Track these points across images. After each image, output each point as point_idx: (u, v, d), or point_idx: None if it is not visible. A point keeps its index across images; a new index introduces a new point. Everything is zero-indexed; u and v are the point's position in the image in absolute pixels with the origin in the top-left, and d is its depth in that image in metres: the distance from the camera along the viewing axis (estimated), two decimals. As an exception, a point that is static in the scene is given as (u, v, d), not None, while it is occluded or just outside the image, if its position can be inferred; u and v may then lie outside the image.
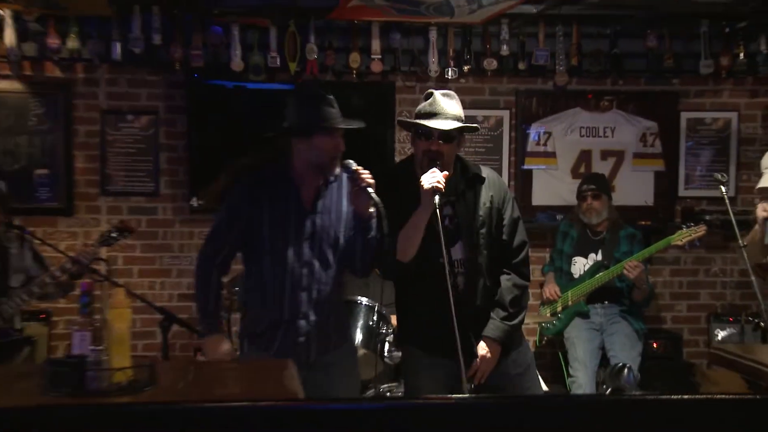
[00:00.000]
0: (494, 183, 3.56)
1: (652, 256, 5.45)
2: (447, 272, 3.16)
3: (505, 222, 3.54)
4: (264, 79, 5.89)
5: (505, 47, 6.05)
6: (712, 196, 6.33)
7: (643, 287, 5.36)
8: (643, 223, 6.12)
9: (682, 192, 6.42)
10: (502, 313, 3.52)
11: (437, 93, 3.43)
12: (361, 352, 4.62)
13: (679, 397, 1.27)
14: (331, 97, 3.39)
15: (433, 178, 3.26)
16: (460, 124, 3.39)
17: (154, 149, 6.01)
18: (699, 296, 6.47)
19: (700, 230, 5.17)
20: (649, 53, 6.22)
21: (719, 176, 4.37)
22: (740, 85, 6.43)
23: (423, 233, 3.33)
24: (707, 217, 6.01)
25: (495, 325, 3.51)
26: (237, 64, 5.81)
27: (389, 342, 4.81)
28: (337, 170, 3.38)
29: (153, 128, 6.01)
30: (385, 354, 4.79)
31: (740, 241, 4.22)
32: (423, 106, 3.43)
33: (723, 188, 4.28)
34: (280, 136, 3.44)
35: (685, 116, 6.40)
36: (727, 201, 4.24)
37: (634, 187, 6.34)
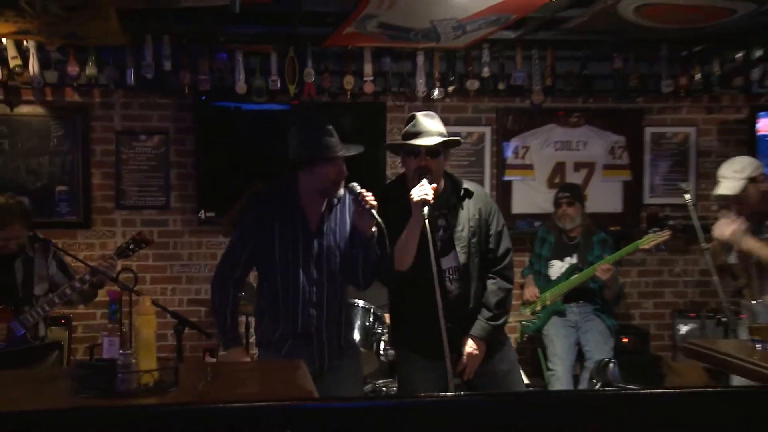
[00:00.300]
0: (481, 197, 3.61)
1: (621, 259, 5.48)
2: (436, 280, 3.18)
3: (492, 232, 3.58)
4: (266, 100, 5.89)
5: (486, 69, 6.08)
6: (674, 203, 6.37)
7: (613, 287, 5.41)
8: (613, 228, 6.14)
9: (647, 200, 6.45)
10: (488, 314, 3.55)
11: (419, 114, 3.46)
12: (360, 350, 4.63)
13: (676, 390, 1.29)
14: (330, 126, 3.37)
15: (421, 191, 3.28)
16: (442, 139, 3.41)
17: (165, 166, 6.00)
18: (664, 294, 6.50)
19: (665, 235, 5.21)
20: (616, 74, 6.25)
21: (684, 185, 4.42)
22: (697, 102, 6.48)
23: (417, 242, 3.34)
24: (671, 223, 6.05)
25: (481, 325, 3.53)
26: (241, 87, 5.81)
27: (384, 341, 4.82)
28: (341, 192, 3.37)
29: (164, 147, 6.00)
30: (381, 352, 4.80)
31: (702, 245, 4.24)
32: (407, 128, 3.46)
33: (687, 196, 4.32)
34: (285, 165, 3.44)
35: (649, 131, 6.45)
36: (691, 207, 4.28)
37: (604, 196, 6.38)
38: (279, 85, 5.85)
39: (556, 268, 5.59)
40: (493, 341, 3.57)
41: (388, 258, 3.35)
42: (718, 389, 1.41)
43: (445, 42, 5.51)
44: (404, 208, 3.33)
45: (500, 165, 6.35)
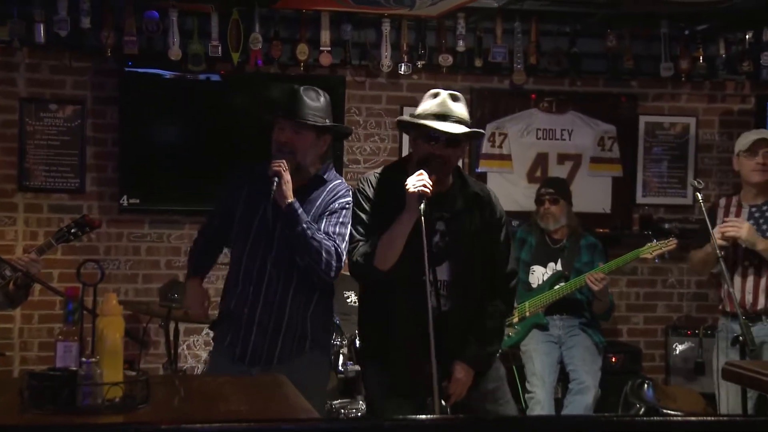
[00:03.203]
0: (491, 204, 3.64)
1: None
2: (429, 289, 3.19)
3: (498, 247, 3.64)
4: (204, 69, 5.92)
5: (461, 43, 6.20)
6: (671, 204, 6.63)
7: (604, 299, 5.52)
8: (600, 231, 6.29)
9: (639, 199, 6.67)
10: (481, 339, 3.62)
11: (445, 93, 3.47)
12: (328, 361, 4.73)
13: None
14: (302, 89, 3.54)
15: (419, 182, 3.28)
16: (468, 129, 3.45)
17: (80, 142, 5.97)
18: (656, 308, 6.73)
19: (671, 243, 5.34)
20: (608, 54, 6.45)
21: (695, 182, 4.61)
22: (698, 89, 6.72)
23: (404, 240, 3.39)
24: (666, 226, 6.30)
25: (472, 351, 3.60)
26: (174, 52, 5.81)
27: (343, 354, 4.92)
28: (275, 171, 3.45)
29: (79, 119, 5.96)
30: (340, 368, 4.90)
31: (717, 251, 4.43)
32: (429, 105, 3.45)
33: (699, 195, 4.52)
34: None
35: (643, 120, 6.66)
36: (704, 209, 4.45)
37: (591, 193, 6.55)
38: (220, 52, 5.88)
39: (538, 274, 5.72)
40: (482, 369, 3.67)
41: (367, 245, 3.43)
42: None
43: (419, 8, 5.63)
44: (401, 198, 3.34)
45: (473, 154, 6.48)
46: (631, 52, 6.44)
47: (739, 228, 4.60)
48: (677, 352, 6.42)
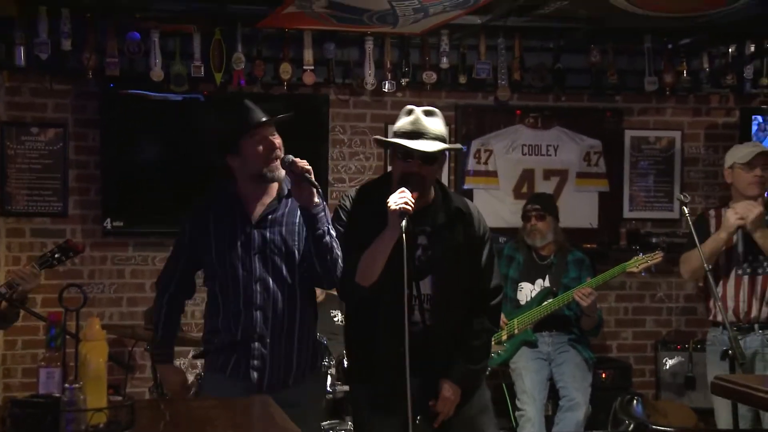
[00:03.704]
0: (475, 219, 3.65)
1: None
2: (406, 306, 3.25)
3: (483, 262, 3.64)
4: (186, 90, 5.91)
5: (444, 60, 6.23)
6: (657, 218, 6.66)
7: (593, 315, 5.54)
8: (588, 246, 6.32)
9: (626, 213, 6.70)
10: (468, 357, 3.63)
11: (418, 110, 3.48)
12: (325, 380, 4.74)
13: None
14: (246, 100, 3.52)
15: (400, 199, 3.30)
16: (443, 146, 3.46)
17: (63, 165, 5.95)
18: (645, 323, 6.75)
19: (657, 257, 5.39)
20: (592, 69, 6.50)
21: (682, 196, 4.63)
22: (683, 103, 6.78)
23: (386, 258, 3.38)
24: (653, 240, 6.32)
25: (459, 369, 3.60)
26: (157, 73, 5.81)
27: (331, 374, 4.91)
28: (282, 173, 3.45)
29: (61, 142, 5.95)
30: (328, 388, 4.88)
31: (705, 265, 4.44)
32: (403, 123, 3.48)
33: (686, 209, 4.55)
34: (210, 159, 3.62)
35: (629, 134, 6.71)
36: (690, 222, 4.48)
37: (578, 208, 6.59)
38: (203, 72, 5.87)
39: (526, 291, 5.73)
40: (470, 388, 3.66)
41: (348, 261, 3.43)
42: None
43: (402, 27, 5.65)
44: (383, 214, 3.36)
45: (459, 171, 6.51)
46: (615, 66, 6.49)
47: (752, 209, 4.71)
48: (667, 367, 6.44)
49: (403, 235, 3.27)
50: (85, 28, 5.73)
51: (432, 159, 3.45)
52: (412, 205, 3.32)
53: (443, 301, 3.57)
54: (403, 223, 3.27)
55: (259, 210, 3.54)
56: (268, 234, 3.52)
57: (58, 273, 5.90)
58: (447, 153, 3.66)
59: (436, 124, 3.49)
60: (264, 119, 3.43)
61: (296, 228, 3.55)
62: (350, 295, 3.64)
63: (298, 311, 3.56)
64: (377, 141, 3.79)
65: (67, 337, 2.49)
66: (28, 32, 5.66)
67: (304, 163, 3.34)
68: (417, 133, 3.43)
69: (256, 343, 3.49)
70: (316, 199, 3.37)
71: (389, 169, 6.07)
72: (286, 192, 3.55)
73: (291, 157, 3.39)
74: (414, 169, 3.42)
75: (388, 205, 3.32)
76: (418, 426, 3.39)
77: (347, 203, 3.65)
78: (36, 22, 5.62)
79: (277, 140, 3.46)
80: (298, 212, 3.51)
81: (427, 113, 3.49)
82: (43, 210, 5.95)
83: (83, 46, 5.74)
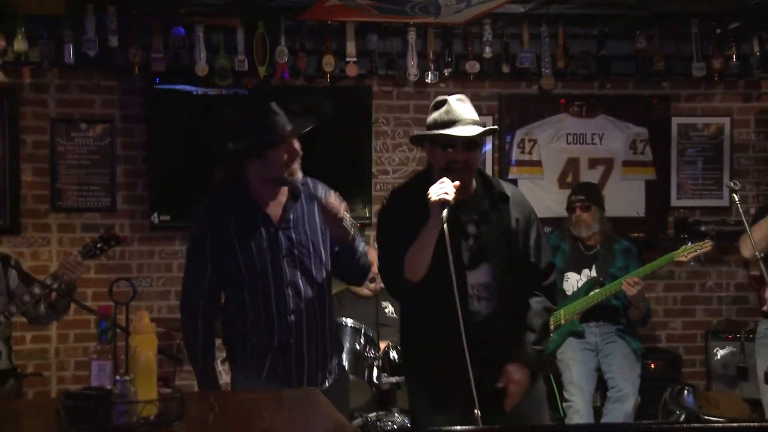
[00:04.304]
0: (519, 201, 3.67)
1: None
2: (457, 297, 3.24)
3: (531, 243, 3.64)
4: (231, 83, 5.99)
5: (487, 49, 6.24)
6: (706, 206, 6.61)
7: (640, 305, 5.52)
8: (635, 235, 6.29)
9: (674, 202, 6.66)
10: (533, 337, 3.59)
11: (451, 99, 3.51)
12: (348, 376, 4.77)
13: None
14: (273, 103, 3.53)
15: (441, 189, 3.32)
16: (482, 129, 3.49)
17: (110, 161, 6.07)
18: (695, 312, 6.70)
19: (706, 245, 5.34)
20: (638, 55, 6.45)
21: (732, 183, 4.57)
22: (732, 88, 6.71)
23: (432, 250, 3.41)
24: (702, 228, 6.27)
25: (525, 350, 3.58)
26: (201, 68, 5.89)
27: (378, 366, 4.95)
28: (299, 176, 3.52)
29: (109, 138, 6.07)
30: (374, 380, 4.93)
31: (756, 253, 4.37)
32: (438, 114, 3.49)
33: (736, 196, 4.48)
34: (230, 156, 3.57)
35: (676, 122, 6.66)
36: (740, 210, 4.41)
37: (625, 197, 6.57)
38: (246, 66, 5.95)
39: (573, 281, 5.73)
40: (537, 369, 3.66)
41: (397, 263, 3.46)
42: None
43: (444, 16, 5.67)
44: (422, 210, 3.38)
45: (503, 161, 6.52)
46: (662, 52, 6.44)
47: None
48: (718, 357, 6.38)
49: (445, 225, 3.28)
50: (131, 25, 5.84)
51: (474, 144, 3.49)
52: (453, 195, 3.33)
53: (501, 289, 3.58)
54: (444, 212, 3.28)
55: (277, 211, 3.56)
56: (293, 235, 3.55)
57: (107, 267, 6.05)
58: (484, 138, 3.71)
59: (470, 110, 3.52)
60: (291, 128, 3.47)
61: (319, 227, 3.60)
62: (400, 292, 3.67)
63: (327, 310, 3.64)
64: (413, 139, 3.77)
65: (118, 330, 2.55)
66: (76, 30, 5.77)
67: (335, 206, 3.41)
68: (454, 121, 3.45)
69: (294, 346, 3.52)
70: (352, 234, 3.45)
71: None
72: (300, 190, 3.60)
73: (320, 188, 3.56)
74: (459, 156, 3.44)
75: (429, 196, 3.34)
76: (481, 418, 3.39)
77: (392, 201, 3.67)
78: (83, 20, 5.73)
79: (298, 145, 3.52)
80: (316, 210, 3.57)
81: (459, 100, 3.52)
82: (92, 205, 6.08)
83: (129, 43, 5.84)
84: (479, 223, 3.58)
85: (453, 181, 3.36)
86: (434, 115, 3.52)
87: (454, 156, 3.44)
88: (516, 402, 3.54)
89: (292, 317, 3.52)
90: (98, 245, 4.38)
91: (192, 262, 3.60)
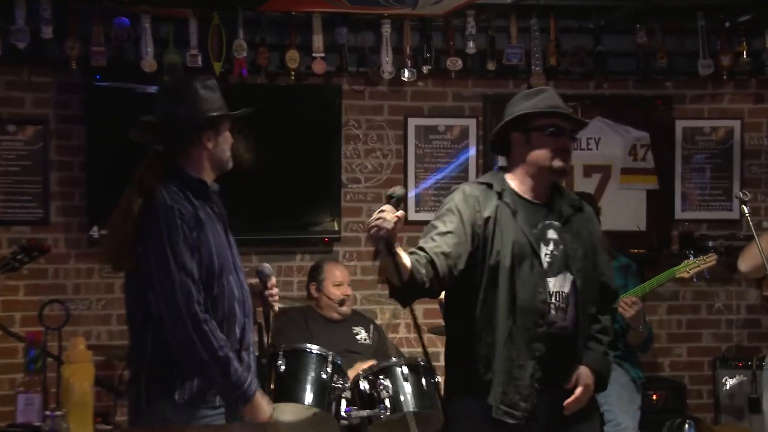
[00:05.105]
0: (591, 214, 3.83)
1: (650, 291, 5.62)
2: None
3: (601, 261, 3.76)
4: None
5: (471, 44, 6.24)
6: (714, 219, 6.63)
7: (640, 329, 5.49)
8: (635, 251, 6.30)
9: (678, 214, 6.68)
10: (604, 346, 3.71)
11: (547, 88, 3.77)
12: (312, 411, 4.73)
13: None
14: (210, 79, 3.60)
15: (377, 221, 3.15)
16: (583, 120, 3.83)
17: (43, 167, 6.00)
18: (701, 337, 6.71)
19: (710, 260, 5.35)
20: (638, 52, 6.48)
21: (741, 194, 4.57)
22: (742, 88, 6.74)
23: (395, 275, 3.26)
24: (710, 243, 6.27)
25: (597, 354, 3.68)
26: (149, 63, 5.85)
27: (347, 399, 4.91)
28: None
29: (41, 142, 6.00)
30: (342, 413, 4.88)
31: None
32: (537, 100, 3.59)
33: (745, 208, 4.48)
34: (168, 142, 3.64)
35: (680, 125, 6.69)
36: (750, 223, 4.40)
37: (624, 209, 6.58)
38: (200, 62, 5.92)
39: (567, 302, 5.73)
40: (606, 374, 3.75)
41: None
42: None
43: (423, 7, 5.67)
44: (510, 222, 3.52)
45: (488, 169, 6.48)
46: (664, 48, 6.46)
47: None
48: (727, 388, 6.38)
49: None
50: (68, 14, 5.79)
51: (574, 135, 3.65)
52: (392, 227, 3.13)
53: (579, 300, 3.63)
54: (382, 247, 3.16)
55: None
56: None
57: (38, 287, 5.97)
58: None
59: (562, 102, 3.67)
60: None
61: None
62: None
63: None
64: (521, 117, 3.59)
65: (49, 359, 2.51)
66: (3, 19, 5.72)
67: (275, 300, 3.66)
68: (556, 107, 3.59)
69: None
70: None
71: (410, 167, 6.18)
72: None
73: (267, 268, 3.71)
74: (567, 144, 3.57)
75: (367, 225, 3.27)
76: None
77: (454, 199, 3.60)
78: (12, 7, 5.68)
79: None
80: None
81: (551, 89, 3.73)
82: (21, 218, 5.99)
83: (66, 34, 5.79)
84: (560, 230, 3.64)
85: (396, 211, 3.17)
86: (533, 101, 3.60)
87: (564, 144, 3.57)
88: (576, 408, 3.61)
89: (245, 319, 3.59)
90: (18, 257, 4.29)
91: (178, 266, 3.37)
